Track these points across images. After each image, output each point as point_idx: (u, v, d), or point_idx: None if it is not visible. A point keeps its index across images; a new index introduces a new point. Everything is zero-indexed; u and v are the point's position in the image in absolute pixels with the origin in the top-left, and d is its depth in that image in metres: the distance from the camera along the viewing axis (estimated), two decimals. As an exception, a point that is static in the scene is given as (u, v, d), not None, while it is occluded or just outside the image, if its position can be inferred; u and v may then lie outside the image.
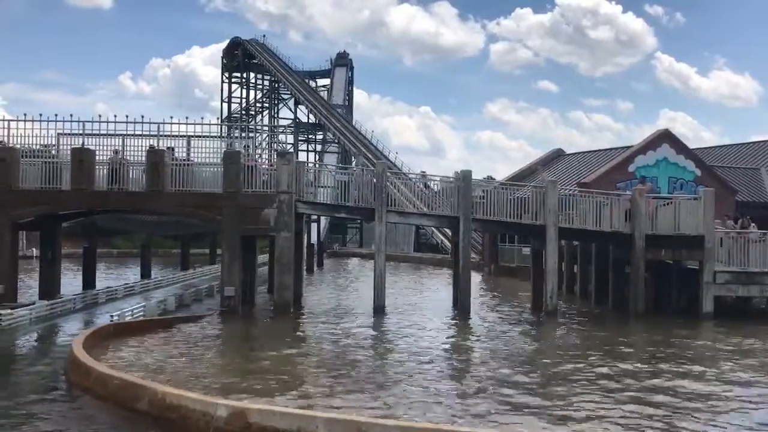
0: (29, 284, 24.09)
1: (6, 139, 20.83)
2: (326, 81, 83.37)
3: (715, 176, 32.72)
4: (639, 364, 13.22)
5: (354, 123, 72.74)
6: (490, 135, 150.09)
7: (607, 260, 22.61)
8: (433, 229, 50.10)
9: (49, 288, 21.98)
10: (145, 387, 9.86)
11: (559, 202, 20.57)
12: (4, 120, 21.06)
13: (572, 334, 17.65)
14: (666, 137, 34.23)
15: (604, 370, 12.61)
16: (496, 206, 20.67)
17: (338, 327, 17.60)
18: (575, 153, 44.10)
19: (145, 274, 30.59)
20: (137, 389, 9.90)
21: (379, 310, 19.96)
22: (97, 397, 10.47)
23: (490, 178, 25.13)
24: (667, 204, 21.77)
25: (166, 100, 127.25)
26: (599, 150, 42.08)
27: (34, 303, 19.43)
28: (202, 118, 21.12)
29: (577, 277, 26.59)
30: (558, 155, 43.72)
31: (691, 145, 37.02)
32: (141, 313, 18.47)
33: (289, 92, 78.82)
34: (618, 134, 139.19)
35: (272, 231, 20.23)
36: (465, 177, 20.46)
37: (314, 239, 43.20)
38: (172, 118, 20.77)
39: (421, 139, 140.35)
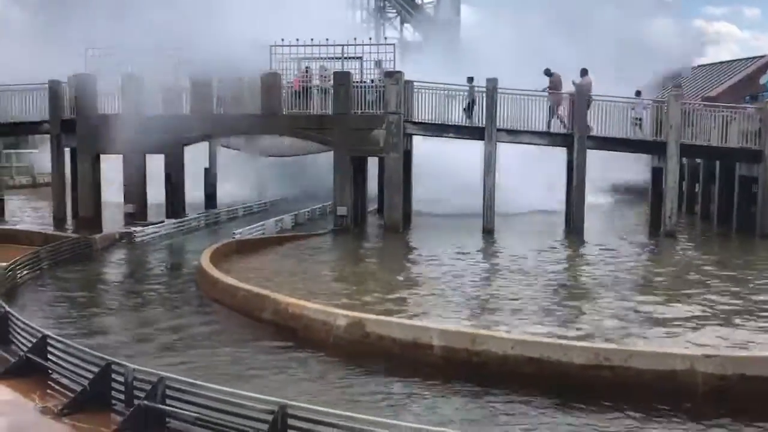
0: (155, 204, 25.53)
1: (130, 68, 21.82)
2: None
3: None
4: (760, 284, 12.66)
5: (461, 39, 70.82)
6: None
7: (732, 179, 21.38)
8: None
9: (175, 207, 23.37)
10: (269, 298, 10.47)
11: (682, 116, 19.49)
12: (129, 51, 21.94)
13: (691, 255, 17.04)
14: (805, 44, 31.22)
15: (721, 295, 12.15)
16: (613, 123, 19.87)
17: (447, 246, 17.75)
18: (700, 65, 41.21)
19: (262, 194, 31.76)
20: (262, 300, 10.53)
21: (488, 231, 19.95)
22: (225, 306, 11.24)
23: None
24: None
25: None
26: (728, 61, 39.09)
27: (163, 221, 20.76)
28: (311, 39, 21.16)
29: (699, 196, 25.34)
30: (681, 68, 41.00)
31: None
32: (261, 231, 19.36)
33: (394, 11, 77.53)
34: (743, 44, 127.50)
35: (381, 152, 20.44)
36: (580, 92, 19.67)
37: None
38: (283, 40, 20.96)
39: (527, 55, 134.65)
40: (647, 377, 7.53)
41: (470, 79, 20.76)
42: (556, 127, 20.43)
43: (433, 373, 8.06)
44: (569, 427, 6.83)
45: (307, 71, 21.36)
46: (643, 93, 21.25)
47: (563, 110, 20.39)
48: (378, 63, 21.65)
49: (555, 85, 20.60)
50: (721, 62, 39.44)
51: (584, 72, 20.53)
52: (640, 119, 20.11)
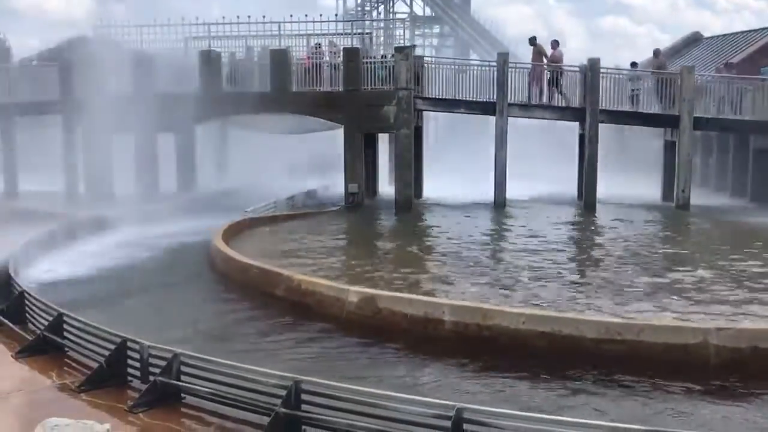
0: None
1: (139, 44, 21.85)
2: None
3: None
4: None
5: (472, 14, 70.02)
6: (613, 20, 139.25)
7: (747, 151, 21.20)
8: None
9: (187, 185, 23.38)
10: (281, 275, 10.52)
11: (695, 89, 19.30)
12: (137, 26, 21.96)
13: (705, 227, 16.97)
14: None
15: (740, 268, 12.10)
16: (623, 96, 19.72)
17: (459, 221, 17.75)
18: (715, 36, 40.53)
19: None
20: (275, 277, 10.59)
21: (500, 205, 19.93)
22: (238, 284, 11.31)
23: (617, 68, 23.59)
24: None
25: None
26: (744, 31, 38.38)
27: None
28: (320, 15, 21.12)
29: (712, 169, 25.09)
30: (695, 39, 40.36)
31: None
32: (273, 208, 19.38)
33: (404, -15, 76.54)
34: (759, 14, 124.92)
35: (392, 128, 20.36)
36: (592, 65, 19.48)
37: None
38: (291, 16, 20.90)
39: (539, 29, 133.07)
40: (659, 351, 7.54)
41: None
42: (537, 99, 20.29)
43: (445, 348, 8.11)
44: (580, 401, 6.86)
45: (317, 48, 21.25)
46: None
47: (544, 82, 20.30)
48: (369, 37, 21.58)
49: (536, 55, 20.51)
50: (742, 32, 38.73)
51: (555, 44, 20.51)
52: (637, 90, 20.00)
